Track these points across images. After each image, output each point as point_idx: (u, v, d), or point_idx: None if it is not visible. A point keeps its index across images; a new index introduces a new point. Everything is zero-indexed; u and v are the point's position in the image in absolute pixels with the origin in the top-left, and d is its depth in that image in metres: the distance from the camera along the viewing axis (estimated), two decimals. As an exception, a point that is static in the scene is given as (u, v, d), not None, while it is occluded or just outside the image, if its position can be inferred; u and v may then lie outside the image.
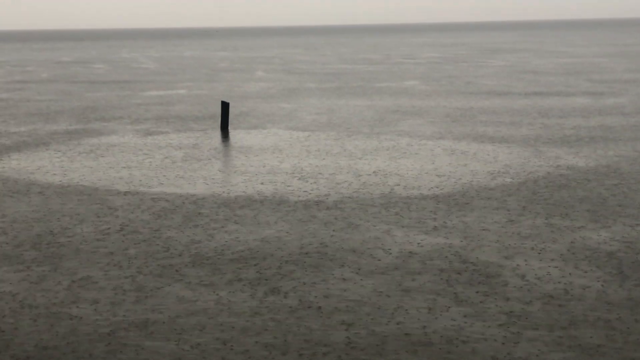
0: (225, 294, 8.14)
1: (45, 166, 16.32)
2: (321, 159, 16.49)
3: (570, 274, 8.74)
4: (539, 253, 9.56)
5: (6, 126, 23.29)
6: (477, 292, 8.13)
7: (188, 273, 8.90)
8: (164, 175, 14.97)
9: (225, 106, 20.05)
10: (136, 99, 30.55)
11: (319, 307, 7.70)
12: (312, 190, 13.45)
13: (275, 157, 16.75)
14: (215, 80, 39.38)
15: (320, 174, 14.84)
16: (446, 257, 9.42)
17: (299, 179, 14.41)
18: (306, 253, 9.60)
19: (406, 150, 17.42)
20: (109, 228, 11.06)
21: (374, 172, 14.97)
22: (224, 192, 13.46)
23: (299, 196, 12.96)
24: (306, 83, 36.95)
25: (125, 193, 13.48)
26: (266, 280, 8.60)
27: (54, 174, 15.43)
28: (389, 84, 36.02)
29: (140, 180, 14.55)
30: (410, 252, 9.62)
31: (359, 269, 8.92)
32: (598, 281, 8.46)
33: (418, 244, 9.98)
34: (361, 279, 8.57)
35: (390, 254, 9.54)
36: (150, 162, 16.40)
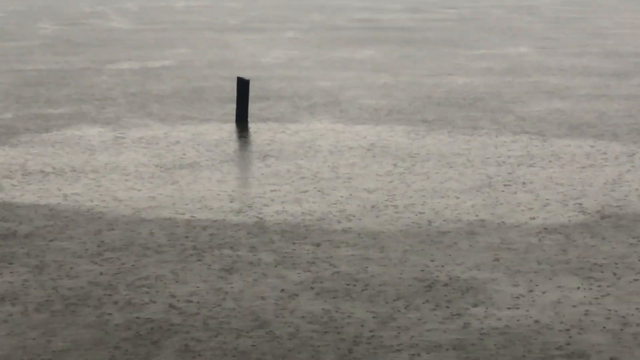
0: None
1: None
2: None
3: None
4: None
5: None
6: None
7: None
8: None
9: (243, 85, 18.09)
10: (100, 75, 23.19)
11: None
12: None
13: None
14: (223, 45, 31.22)
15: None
16: None
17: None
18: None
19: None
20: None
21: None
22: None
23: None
24: (360, 48, 29.50)
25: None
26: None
27: None
28: (486, 50, 27.92)
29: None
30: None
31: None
32: None
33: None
34: None
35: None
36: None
